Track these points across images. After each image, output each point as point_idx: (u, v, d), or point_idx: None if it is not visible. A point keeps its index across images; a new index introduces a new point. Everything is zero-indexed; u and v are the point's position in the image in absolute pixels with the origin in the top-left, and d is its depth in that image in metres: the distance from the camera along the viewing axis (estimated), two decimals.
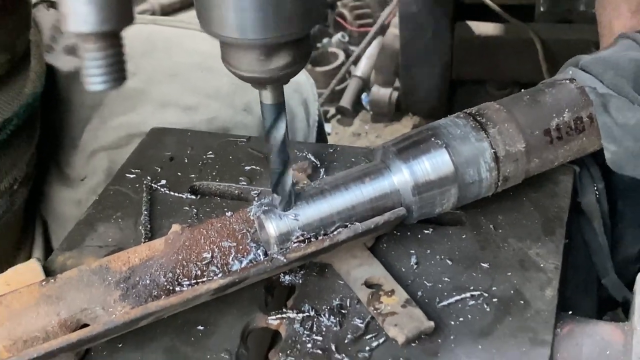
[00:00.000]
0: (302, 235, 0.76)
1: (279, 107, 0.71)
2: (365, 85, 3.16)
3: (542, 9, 2.72)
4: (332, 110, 3.13)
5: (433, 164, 0.78)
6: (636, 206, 0.92)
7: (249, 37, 0.63)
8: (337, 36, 3.37)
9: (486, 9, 2.79)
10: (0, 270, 0.79)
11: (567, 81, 0.84)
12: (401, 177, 0.78)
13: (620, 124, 0.81)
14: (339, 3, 3.44)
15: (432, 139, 0.79)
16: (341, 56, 3.28)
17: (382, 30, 3.21)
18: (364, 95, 3.14)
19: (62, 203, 1.16)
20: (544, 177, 0.86)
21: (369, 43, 3.25)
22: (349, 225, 0.77)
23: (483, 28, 2.82)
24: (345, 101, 3.11)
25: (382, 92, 3.04)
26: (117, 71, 0.58)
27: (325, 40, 3.38)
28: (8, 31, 0.99)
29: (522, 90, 0.84)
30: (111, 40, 0.56)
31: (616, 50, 0.85)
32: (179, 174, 0.95)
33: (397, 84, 3.04)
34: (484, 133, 0.80)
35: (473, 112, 0.82)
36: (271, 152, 0.74)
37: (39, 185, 1.16)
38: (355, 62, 3.24)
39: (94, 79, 0.58)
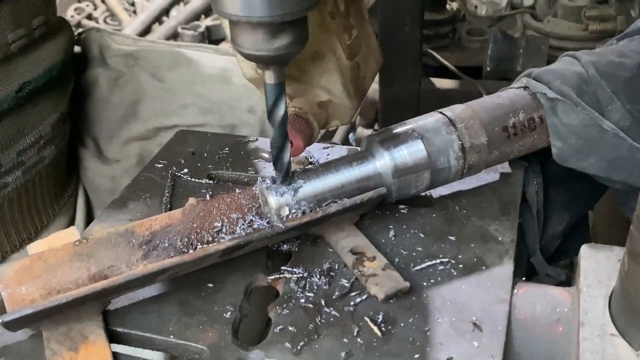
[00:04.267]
0: (299, 207, 0.67)
1: (280, 87, 0.62)
2: (352, 127, 3.09)
3: (488, 69, 2.66)
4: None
5: (410, 152, 0.69)
6: (563, 194, 0.83)
7: (256, 15, 0.54)
8: None
9: (445, 69, 2.73)
10: (39, 220, 0.71)
11: (522, 88, 0.76)
12: (383, 162, 0.69)
13: (565, 124, 0.72)
14: None
15: (410, 131, 0.70)
16: None
17: None
18: (350, 135, 3.07)
19: (100, 177, 1.09)
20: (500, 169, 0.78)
21: None
22: (339, 201, 0.68)
23: (443, 83, 2.75)
24: (336, 139, 3.03)
25: (365, 132, 2.96)
26: None
27: None
28: (22, 10, 0.93)
29: (484, 95, 0.76)
30: None
31: (561, 65, 0.77)
32: (199, 165, 0.86)
33: (376, 126, 2.97)
34: (453, 127, 0.71)
35: (444, 110, 0.73)
36: (273, 129, 0.65)
37: (82, 160, 1.10)
38: None
39: None
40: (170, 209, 0.78)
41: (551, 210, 0.84)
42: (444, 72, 2.75)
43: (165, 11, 3.65)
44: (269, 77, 0.60)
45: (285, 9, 0.54)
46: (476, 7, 2.82)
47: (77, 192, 1.10)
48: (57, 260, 0.64)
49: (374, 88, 2.96)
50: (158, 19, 3.80)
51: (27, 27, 0.95)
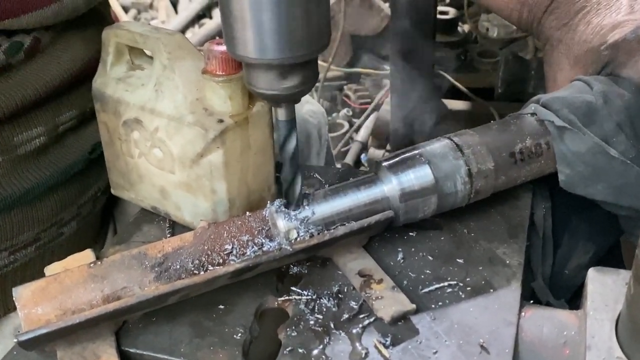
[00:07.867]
0: (307, 230, 0.68)
1: (291, 123, 0.65)
2: (364, 147, 3.10)
3: (499, 91, 2.67)
4: (338, 166, 3.07)
5: (417, 177, 0.70)
6: (586, 222, 0.83)
7: (267, 57, 0.57)
8: (344, 111, 3.32)
9: (457, 91, 2.74)
10: None
11: (529, 115, 0.77)
12: (391, 186, 0.71)
13: (573, 151, 0.73)
14: (345, 87, 3.41)
15: (417, 156, 0.72)
16: (346, 126, 3.22)
17: (378, 107, 3.17)
18: (362, 155, 3.07)
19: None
20: (508, 193, 0.78)
21: (367, 116, 3.20)
22: (346, 224, 0.69)
23: (454, 105, 2.76)
24: (349, 159, 3.04)
25: (377, 153, 2.96)
26: None
27: (334, 114, 3.34)
28: None
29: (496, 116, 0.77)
30: None
31: (571, 91, 0.77)
32: None
33: (388, 147, 2.98)
34: (460, 153, 0.72)
35: (451, 136, 0.74)
36: (284, 163, 0.67)
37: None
38: (357, 131, 3.19)
39: None
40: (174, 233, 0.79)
41: (576, 240, 0.84)
42: (456, 94, 2.77)
43: None
44: (281, 114, 0.63)
45: (297, 51, 0.57)
46: (487, 29, 2.84)
47: (108, 227, 1.11)
48: (72, 281, 0.66)
49: (386, 109, 2.99)
50: None
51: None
